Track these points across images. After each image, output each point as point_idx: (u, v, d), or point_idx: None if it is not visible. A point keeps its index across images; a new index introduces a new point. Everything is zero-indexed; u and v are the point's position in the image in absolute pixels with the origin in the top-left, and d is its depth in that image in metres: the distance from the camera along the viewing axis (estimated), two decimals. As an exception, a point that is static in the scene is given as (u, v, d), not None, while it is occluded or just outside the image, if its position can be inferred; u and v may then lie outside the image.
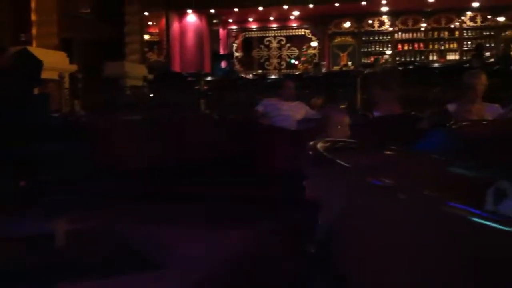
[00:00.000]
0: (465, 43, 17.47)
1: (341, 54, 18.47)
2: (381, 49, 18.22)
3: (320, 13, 17.56)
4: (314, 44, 18.80)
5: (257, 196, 4.75)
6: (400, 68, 11.74)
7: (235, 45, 19.74)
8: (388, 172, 1.37)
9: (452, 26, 17.73)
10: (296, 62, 19.07)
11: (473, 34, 17.49)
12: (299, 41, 19.14)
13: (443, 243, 1.03)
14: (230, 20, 19.45)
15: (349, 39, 18.60)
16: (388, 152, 1.74)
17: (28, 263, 3.55)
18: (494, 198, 1.45)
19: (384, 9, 17.54)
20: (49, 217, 4.77)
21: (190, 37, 17.41)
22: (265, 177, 4.87)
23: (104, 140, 5.84)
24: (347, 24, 18.53)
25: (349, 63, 18.08)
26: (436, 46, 17.84)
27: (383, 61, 17.06)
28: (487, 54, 16.25)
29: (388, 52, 18.09)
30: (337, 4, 16.08)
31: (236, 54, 19.56)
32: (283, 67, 19.06)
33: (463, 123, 3.87)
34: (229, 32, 19.86)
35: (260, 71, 18.85)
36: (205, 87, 10.74)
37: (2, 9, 9.05)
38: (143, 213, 4.81)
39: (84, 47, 11.96)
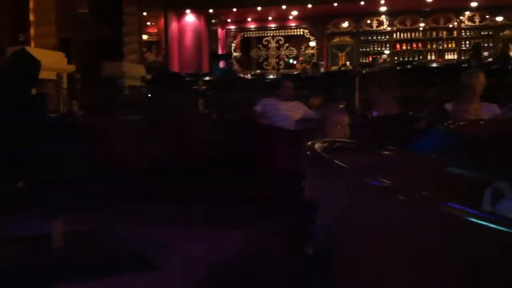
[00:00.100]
0: (463, 43, 17.48)
1: (340, 54, 18.47)
2: (379, 49, 18.23)
3: (318, 13, 17.56)
4: (312, 44, 18.80)
5: (256, 196, 4.75)
6: (398, 68, 11.75)
7: (233, 45, 19.73)
8: (386, 173, 1.38)
9: (451, 26, 17.74)
10: (295, 62, 19.08)
11: (472, 34, 17.51)
12: (298, 41, 19.14)
13: (441, 243, 1.03)
14: (229, 20, 19.44)
15: (347, 39, 18.61)
16: (386, 152, 1.74)
17: (28, 263, 3.54)
18: (491, 198, 1.46)
19: (383, 9, 17.55)
20: (48, 217, 4.77)
21: (189, 37, 17.40)
22: (264, 177, 4.87)
23: (103, 140, 5.84)
24: (345, 24, 18.53)
25: (348, 63, 18.09)
26: (434, 46, 17.85)
27: (382, 61, 17.06)
28: (486, 53, 16.27)
29: (387, 52, 18.10)
30: (335, 4, 16.09)
31: (235, 54, 19.56)
32: (281, 67, 19.07)
33: (461, 123, 3.87)
34: (228, 32, 19.85)
35: (258, 71, 18.87)
36: (204, 87, 10.73)
37: (0, 9, 9.04)
38: (142, 213, 4.82)
39: (82, 47, 11.95)
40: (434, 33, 17.86)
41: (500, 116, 5.22)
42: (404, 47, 18.08)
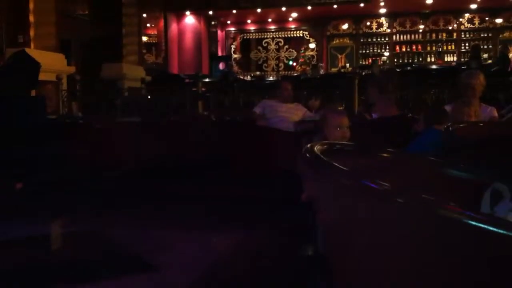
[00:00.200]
0: (463, 44, 17.50)
1: (339, 56, 18.49)
2: (379, 50, 18.25)
3: (318, 15, 17.58)
4: (312, 45, 18.82)
5: (256, 197, 4.75)
6: (398, 70, 11.76)
7: (233, 46, 19.75)
8: (385, 175, 1.38)
9: (450, 27, 17.77)
10: (294, 64, 19.10)
11: (471, 35, 17.53)
12: (297, 43, 19.17)
13: (439, 246, 1.03)
14: (228, 22, 19.47)
15: (347, 40, 18.63)
16: (385, 154, 1.74)
17: (27, 264, 3.54)
18: (490, 200, 1.46)
19: (382, 10, 17.58)
20: (46, 219, 4.77)
21: (188, 39, 17.42)
22: (263, 179, 4.87)
23: (102, 141, 5.84)
24: (345, 26, 18.56)
25: (347, 64, 18.11)
26: (434, 48, 17.87)
27: (381, 62, 17.08)
28: (485, 55, 16.30)
29: (386, 53, 18.13)
30: (335, 6, 16.11)
31: (234, 55, 19.58)
32: (281, 68, 19.10)
33: (460, 125, 3.87)
34: (227, 33, 19.88)
35: (258, 73, 18.89)
36: (203, 89, 10.74)
37: (0, 10, 9.05)
38: (142, 214, 4.82)
39: (82, 48, 11.97)
40: (433, 35, 17.89)
41: (500, 117, 5.23)
42: (403, 49, 18.11)
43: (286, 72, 18.56)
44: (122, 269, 3.46)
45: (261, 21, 19.05)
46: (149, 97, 10.88)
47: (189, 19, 17.42)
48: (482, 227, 0.95)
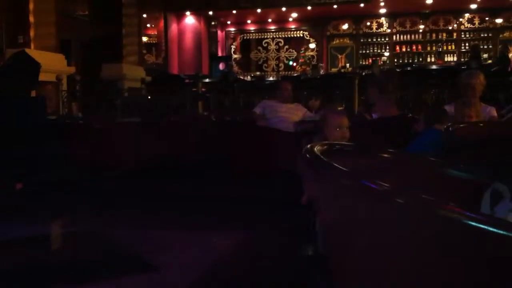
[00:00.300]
0: (463, 45, 17.51)
1: (339, 56, 18.50)
2: (379, 51, 18.26)
3: (318, 15, 17.59)
4: (312, 46, 18.83)
5: (256, 197, 4.75)
6: (398, 70, 11.76)
7: (233, 47, 19.75)
8: (385, 175, 1.38)
9: (450, 28, 17.77)
10: (294, 64, 19.10)
11: (471, 35, 17.53)
12: (297, 43, 19.17)
13: (439, 246, 1.03)
14: (228, 22, 19.48)
15: (347, 41, 18.64)
16: (385, 155, 1.74)
17: (26, 265, 3.54)
18: (490, 200, 1.46)
19: (382, 11, 17.58)
20: (46, 219, 4.77)
21: (188, 39, 17.42)
22: (263, 179, 4.87)
23: (102, 142, 5.84)
24: (345, 26, 18.57)
25: (347, 65, 18.12)
26: (434, 48, 17.88)
27: (381, 63, 17.09)
28: (485, 55, 16.31)
29: (386, 53, 18.13)
30: (335, 6, 16.11)
31: (234, 56, 19.58)
32: (281, 68, 19.11)
33: (460, 125, 3.87)
34: (227, 34, 19.88)
35: (258, 73, 18.90)
36: (203, 89, 10.75)
37: (0, 10, 9.05)
38: (142, 214, 4.81)
39: (82, 48, 11.97)
40: (433, 35, 17.90)
41: (500, 117, 5.23)
42: (403, 49, 18.12)
43: (286, 72, 18.57)
44: (122, 269, 3.46)
45: (261, 21, 19.06)
46: (149, 97, 10.89)
47: (189, 19, 17.42)
48: (482, 227, 0.95)
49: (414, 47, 18.02)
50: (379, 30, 18.34)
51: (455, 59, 17.30)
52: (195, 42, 17.43)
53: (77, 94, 9.93)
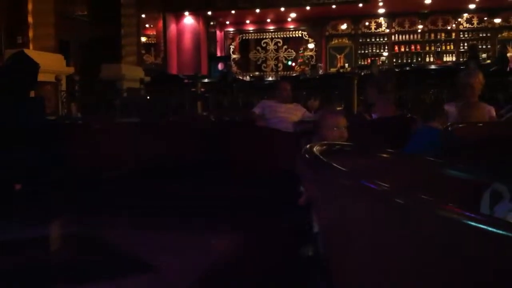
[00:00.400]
0: (461, 44, 17.51)
1: (338, 56, 18.51)
2: (377, 51, 18.27)
3: (317, 15, 17.60)
4: (311, 46, 18.84)
5: (255, 198, 4.75)
6: (396, 70, 11.77)
7: (232, 47, 19.75)
8: (384, 175, 1.37)
9: (449, 27, 17.78)
10: (293, 64, 19.11)
11: (470, 35, 17.54)
12: (296, 43, 19.18)
13: (439, 246, 1.03)
14: (227, 22, 19.48)
15: (346, 41, 18.65)
16: (384, 155, 1.74)
17: (25, 266, 3.54)
18: (489, 200, 1.46)
19: (381, 11, 17.59)
20: (46, 219, 4.76)
21: (187, 39, 17.42)
22: (262, 179, 4.87)
23: (101, 142, 5.83)
24: (344, 26, 18.58)
25: (346, 65, 18.13)
26: (432, 48, 17.89)
27: (380, 63, 17.09)
28: (484, 55, 16.32)
29: (385, 53, 18.14)
30: (334, 6, 16.12)
31: (233, 56, 19.58)
32: (280, 69, 19.11)
33: (460, 125, 3.87)
34: (226, 34, 19.88)
35: (257, 73, 18.90)
36: (202, 89, 10.75)
37: (-2, 11, 9.05)
38: (141, 214, 4.81)
39: (81, 49, 11.96)
40: (432, 35, 17.91)
41: (499, 117, 5.23)
42: (402, 49, 18.13)
43: (285, 72, 18.58)
44: (122, 269, 3.46)
45: (260, 22, 19.07)
46: (148, 97, 10.88)
47: (188, 20, 17.42)
48: (481, 227, 0.95)
49: (412, 47, 18.04)
50: (377, 30, 18.35)
51: (454, 59, 17.31)
52: (194, 42, 17.43)
53: (76, 95, 9.91)
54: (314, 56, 18.74)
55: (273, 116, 6.14)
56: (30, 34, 9.09)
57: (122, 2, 11.93)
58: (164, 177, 5.40)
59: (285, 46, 19.26)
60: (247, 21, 19.28)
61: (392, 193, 1.12)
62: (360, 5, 15.90)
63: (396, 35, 18.14)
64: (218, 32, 19.45)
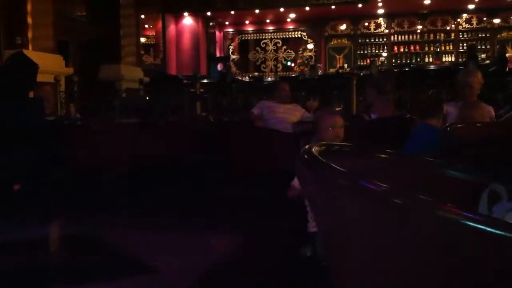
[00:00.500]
0: (460, 45, 17.51)
1: (337, 56, 18.50)
2: (377, 51, 18.26)
3: (316, 16, 17.58)
4: (310, 46, 18.83)
5: (255, 198, 4.75)
6: (396, 70, 11.77)
7: (231, 47, 19.75)
8: (383, 176, 1.38)
9: (448, 28, 17.78)
10: (292, 65, 19.10)
11: (469, 36, 17.54)
12: (295, 44, 19.17)
13: (437, 246, 1.03)
14: (227, 23, 19.46)
15: (345, 41, 18.64)
16: (383, 155, 1.75)
17: (25, 266, 3.54)
18: (488, 200, 1.46)
19: (380, 11, 17.59)
20: (45, 220, 4.77)
21: (187, 40, 17.41)
22: (261, 180, 4.87)
23: (100, 143, 5.84)
24: (343, 27, 18.57)
25: (345, 65, 18.12)
26: (432, 48, 17.89)
27: (379, 63, 17.09)
28: (483, 56, 16.33)
29: (384, 54, 18.13)
30: (333, 7, 16.10)
31: (232, 56, 19.58)
32: (279, 69, 19.10)
33: (458, 125, 3.87)
34: (225, 34, 19.87)
35: (256, 74, 18.89)
36: (201, 90, 10.75)
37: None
38: (141, 215, 4.82)
39: (80, 49, 11.96)
40: (431, 36, 17.90)
41: (498, 117, 5.23)
42: (401, 50, 18.12)
43: (284, 73, 18.57)
44: (122, 269, 3.46)
45: (259, 22, 19.05)
46: (147, 98, 10.89)
47: (187, 20, 17.41)
48: (480, 227, 0.96)
49: (412, 48, 18.03)
50: (377, 31, 18.35)
51: (453, 59, 17.29)
52: (193, 43, 17.42)
53: (75, 95, 9.91)
54: (313, 57, 18.73)
55: (272, 117, 6.13)
56: (29, 34, 9.09)
57: (121, 3, 11.93)
58: (163, 177, 5.40)
59: (284, 47, 19.25)
60: (246, 22, 19.27)
61: (391, 194, 1.12)
62: (359, 5, 15.89)
63: (395, 35, 18.14)
64: (217, 33, 19.44)
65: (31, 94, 7.17)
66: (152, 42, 16.67)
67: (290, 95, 6.44)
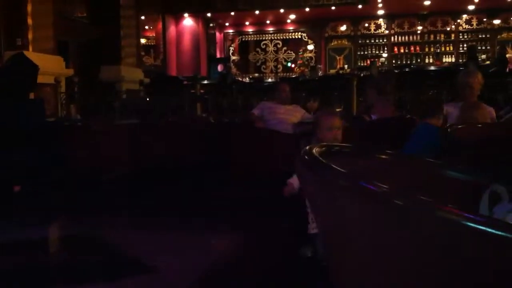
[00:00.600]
0: (461, 46, 17.52)
1: (338, 57, 18.51)
2: (377, 52, 18.27)
3: (316, 17, 17.59)
4: (310, 47, 18.83)
5: (255, 199, 4.75)
6: (396, 71, 11.78)
7: (231, 48, 19.75)
8: (383, 176, 1.38)
9: (448, 29, 17.79)
10: (293, 66, 19.11)
11: (469, 36, 17.55)
12: (296, 45, 19.18)
13: (438, 247, 1.03)
14: (227, 24, 19.47)
15: (345, 42, 18.65)
16: (384, 156, 1.74)
17: (25, 266, 3.54)
18: (488, 201, 1.46)
19: (380, 12, 17.60)
20: (45, 220, 4.77)
21: (187, 41, 17.42)
22: (261, 181, 4.87)
23: (101, 144, 5.84)
24: (343, 27, 18.58)
25: (345, 66, 18.12)
26: (432, 49, 17.89)
27: (379, 64, 17.09)
28: (483, 56, 16.33)
29: (384, 55, 18.14)
30: (333, 8, 16.10)
31: (233, 57, 19.58)
32: (279, 70, 19.10)
33: (459, 126, 3.87)
34: (226, 35, 19.88)
35: (256, 75, 18.89)
36: (201, 91, 10.76)
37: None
38: (141, 215, 4.82)
39: (80, 50, 11.97)
40: (431, 36, 17.91)
41: (498, 118, 5.23)
42: (402, 50, 18.13)
43: (285, 74, 18.57)
44: (122, 270, 3.46)
45: (259, 23, 19.06)
46: (147, 99, 10.89)
47: (187, 21, 17.42)
48: (480, 228, 0.96)
49: (412, 48, 18.04)
50: (377, 32, 18.36)
51: (453, 60, 17.31)
52: (194, 43, 17.43)
53: (76, 96, 9.91)
54: (313, 58, 18.74)
55: (273, 118, 6.13)
56: (30, 35, 9.09)
57: (122, 4, 11.93)
58: (163, 178, 5.40)
59: (285, 48, 19.26)
60: (247, 23, 19.27)
61: (391, 194, 1.12)
62: (360, 6, 15.90)
63: (396, 36, 18.15)
64: (217, 34, 19.45)
65: (32, 96, 7.17)
66: (152, 43, 16.68)
67: (290, 96, 6.44)
